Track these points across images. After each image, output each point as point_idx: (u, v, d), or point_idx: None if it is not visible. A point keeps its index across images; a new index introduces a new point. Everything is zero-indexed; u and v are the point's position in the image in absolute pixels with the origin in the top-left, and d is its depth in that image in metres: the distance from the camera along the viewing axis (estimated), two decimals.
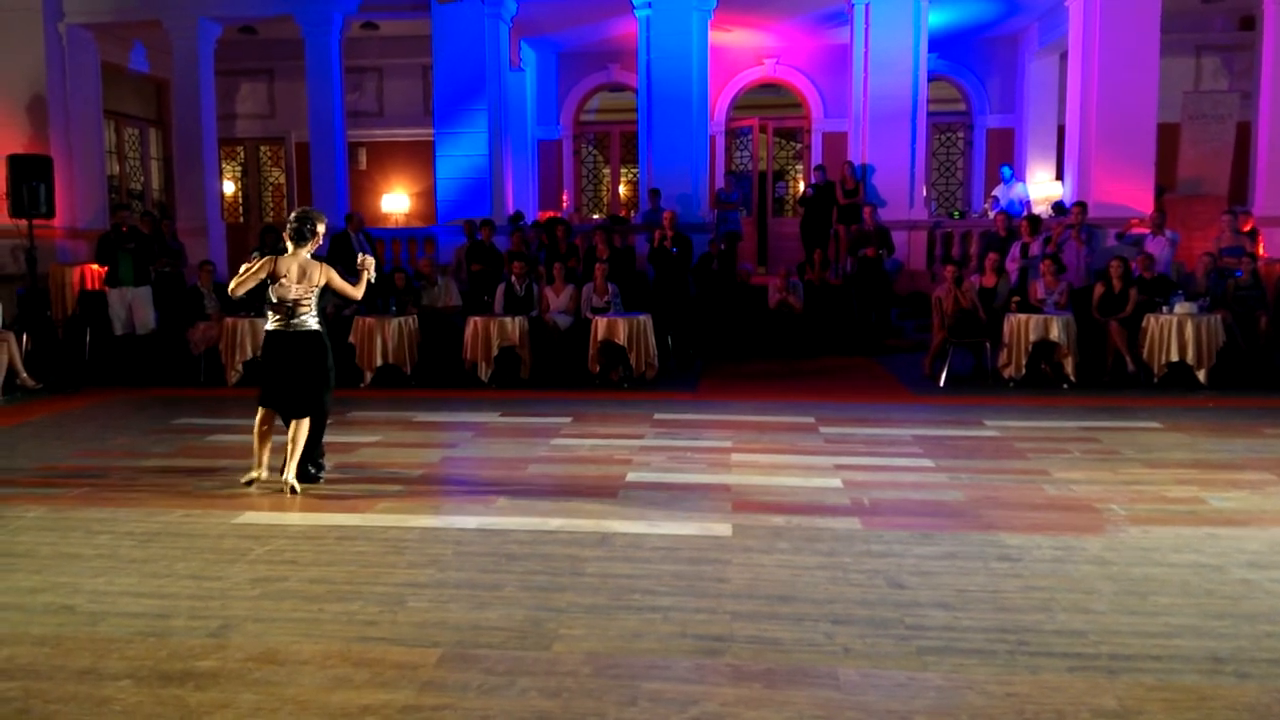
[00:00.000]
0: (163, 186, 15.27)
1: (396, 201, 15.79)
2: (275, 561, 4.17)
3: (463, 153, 12.34)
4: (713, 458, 6.14)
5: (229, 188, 16.25)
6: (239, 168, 16.39)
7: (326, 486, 5.49)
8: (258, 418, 5.42)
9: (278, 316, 5.34)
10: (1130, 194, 11.17)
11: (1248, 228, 10.45)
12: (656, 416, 7.56)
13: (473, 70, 12.21)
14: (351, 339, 9.29)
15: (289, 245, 5.35)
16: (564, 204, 15.66)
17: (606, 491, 5.31)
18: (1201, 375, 8.57)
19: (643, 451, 6.34)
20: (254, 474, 5.41)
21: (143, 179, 15.07)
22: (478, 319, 9.32)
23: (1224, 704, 2.87)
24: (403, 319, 9.33)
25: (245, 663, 3.17)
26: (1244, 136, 11.78)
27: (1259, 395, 8.36)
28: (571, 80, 15.95)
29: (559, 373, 9.47)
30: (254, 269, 5.29)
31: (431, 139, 12.69)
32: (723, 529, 4.58)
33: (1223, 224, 10.32)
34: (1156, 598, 3.70)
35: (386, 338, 9.21)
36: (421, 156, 14.61)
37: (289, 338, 5.33)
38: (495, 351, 9.21)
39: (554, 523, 4.73)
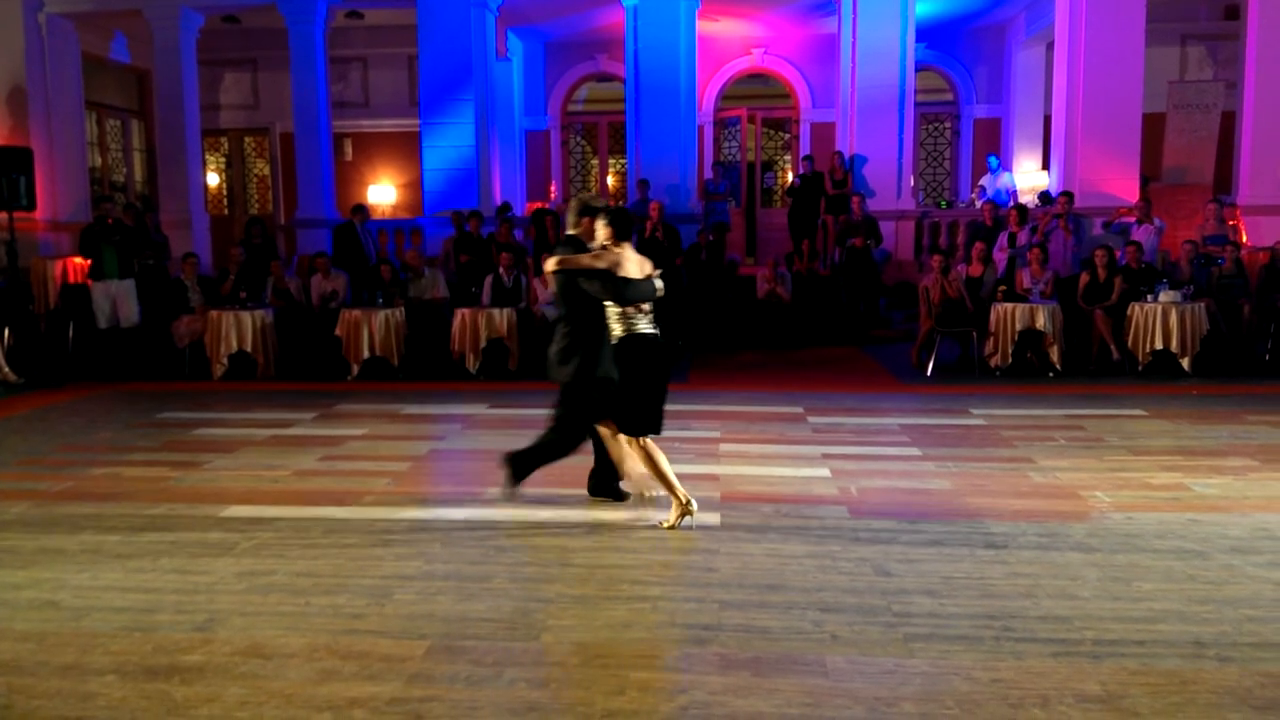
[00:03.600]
0: (145, 178, 15.13)
1: (383, 193, 15.70)
2: (261, 555, 4.16)
3: (449, 143, 12.27)
4: (701, 448, 6.14)
5: (213, 179, 16.12)
6: (223, 159, 16.25)
7: (314, 479, 5.47)
8: (653, 453, 4.41)
9: (624, 321, 4.39)
10: (1116, 183, 11.22)
11: (1232, 219, 10.51)
12: None
13: (459, 60, 12.13)
14: (338, 332, 9.24)
15: (605, 241, 4.41)
16: (552, 195, 15.61)
17: None
18: (1185, 363, 8.63)
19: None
20: (688, 507, 4.42)
21: (125, 171, 14.92)
22: (465, 311, 9.29)
23: (1206, 688, 2.89)
24: (389, 311, 9.29)
25: (231, 656, 3.16)
26: (1229, 125, 11.83)
27: (1242, 382, 8.43)
28: (559, 70, 15.87)
29: (547, 364, 9.44)
30: (601, 257, 4.37)
31: (418, 130, 12.61)
32: (711, 518, 4.59)
33: (1208, 213, 10.37)
34: (1140, 583, 3.73)
35: (373, 330, 9.16)
36: (408, 147, 14.52)
37: (647, 343, 4.40)
38: (483, 343, 9.19)
39: (543, 514, 4.73)
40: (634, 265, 4.41)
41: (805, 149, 14.75)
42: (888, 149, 12.19)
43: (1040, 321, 8.74)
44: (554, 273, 4.53)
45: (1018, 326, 8.80)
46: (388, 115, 15.54)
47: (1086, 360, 9.08)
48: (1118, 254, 9.38)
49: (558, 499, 5.00)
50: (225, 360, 9.27)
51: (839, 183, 12.14)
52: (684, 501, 4.41)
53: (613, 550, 4.19)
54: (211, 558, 4.13)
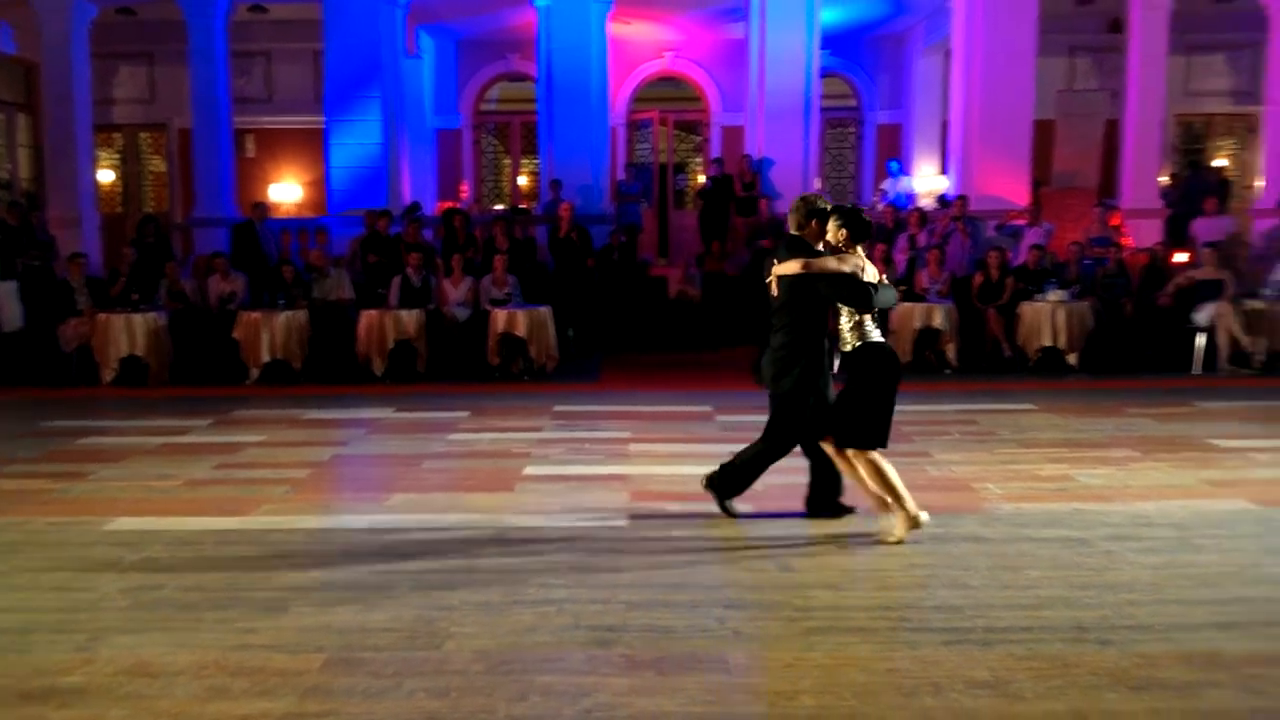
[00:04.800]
0: (33, 175, 14.32)
1: (287, 191, 15.23)
2: (149, 570, 3.98)
3: (356, 141, 11.98)
4: (611, 448, 6.15)
5: (107, 176, 15.37)
6: (117, 155, 15.52)
7: (207, 489, 5.27)
8: (882, 465, 4.18)
9: (858, 329, 4.19)
10: (1008, 187, 11.68)
11: (1115, 221, 11.07)
12: (556, 409, 7.53)
13: (366, 56, 11.86)
14: (236, 334, 8.93)
15: (839, 243, 4.18)
16: (463, 194, 15.40)
17: (503, 485, 5.27)
18: (1072, 359, 9.05)
19: (541, 444, 6.31)
20: (916, 521, 4.19)
21: (10, 167, 14.11)
22: (372, 312, 9.09)
23: (1086, 670, 3.04)
24: (291, 313, 9.02)
25: (115, 676, 3.02)
26: (1113, 133, 12.46)
27: (1125, 377, 8.89)
28: (471, 69, 15.68)
29: (457, 366, 9.32)
30: (845, 260, 4.12)
31: (323, 126, 12.28)
32: (619, 520, 4.60)
33: (1093, 216, 10.91)
34: (1028, 571, 3.89)
35: (274, 332, 8.88)
36: (313, 144, 14.10)
37: (885, 352, 4.22)
38: (390, 345, 9.00)
39: (449, 519, 4.66)
40: (871, 270, 4.17)
41: (716, 151, 14.92)
42: (794, 152, 12.40)
43: (937, 320, 9.04)
44: (782, 276, 4.27)
45: (916, 325, 9.08)
46: (292, 111, 15.06)
47: (980, 357, 9.43)
48: (1009, 255, 9.76)
49: (464, 505, 4.94)
50: (115, 365, 8.86)
51: (748, 185, 12.32)
52: (913, 515, 4.16)
53: (519, 554, 4.16)
54: (95, 573, 3.93)
